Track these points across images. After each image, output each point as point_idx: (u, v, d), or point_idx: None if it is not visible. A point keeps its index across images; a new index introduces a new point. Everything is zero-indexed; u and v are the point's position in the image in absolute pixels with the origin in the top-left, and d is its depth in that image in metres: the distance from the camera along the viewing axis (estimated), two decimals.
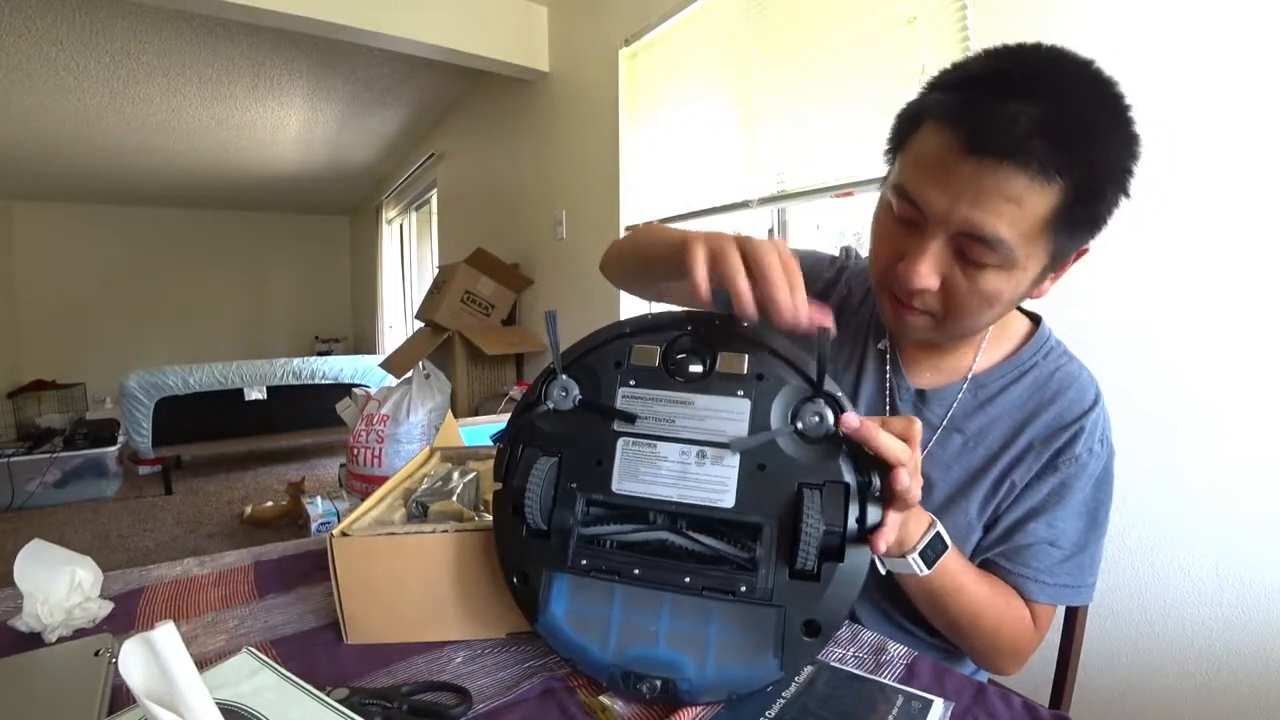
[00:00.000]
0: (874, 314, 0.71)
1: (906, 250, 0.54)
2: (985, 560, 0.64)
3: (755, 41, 1.83)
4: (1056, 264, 0.55)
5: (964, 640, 0.62)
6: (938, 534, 0.54)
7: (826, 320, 0.46)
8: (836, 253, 0.80)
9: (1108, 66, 0.50)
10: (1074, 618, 0.77)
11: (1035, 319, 0.68)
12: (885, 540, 0.45)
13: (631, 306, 2.46)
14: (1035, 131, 0.46)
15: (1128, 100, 0.50)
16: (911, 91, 0.58)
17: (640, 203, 2.37)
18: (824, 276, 0.77)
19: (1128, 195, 0.51)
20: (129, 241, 6.51)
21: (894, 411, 0.67)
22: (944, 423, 0.64)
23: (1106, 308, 1.09)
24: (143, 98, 3.68)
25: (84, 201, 6.15)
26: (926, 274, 0.53)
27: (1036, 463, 0.61)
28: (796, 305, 0.45)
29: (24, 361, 5.82)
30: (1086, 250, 0.56)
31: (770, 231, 1.94)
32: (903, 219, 0.55)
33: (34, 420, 4.71)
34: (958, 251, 0.52)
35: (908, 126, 0.56)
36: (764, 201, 1.84)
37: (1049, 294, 0.60)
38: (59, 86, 3.44)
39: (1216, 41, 0.97)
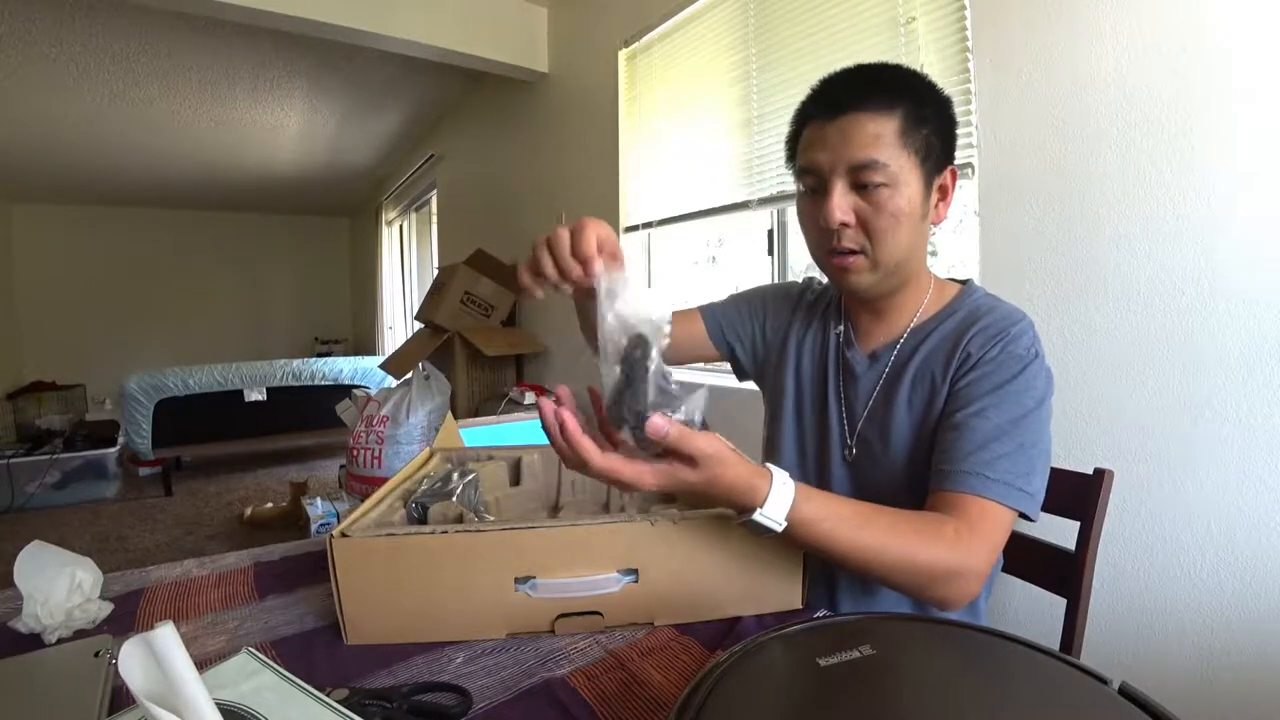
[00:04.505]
0: (829, 306, 0.84)
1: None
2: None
3: (755, 42, 1.84)
4: (931, 183, 0.68)
5: (887, 575, 0.59)
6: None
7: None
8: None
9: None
10: (1074, 618, 0.77)
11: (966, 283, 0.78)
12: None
13: None
14: (870, 87, 0.66)
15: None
16: None
17: (640, 203, 2.37)
18: (794, 290, 0.90)
19: (948, 125, 0.68)
20: (129, 243, 6.51)
21: (851, 377, 0.77)
22: (888, 368, 0.74)
23: (1104, 313, 1.10)
24: (143, 99, 3.68)
25: (84, 202, 6.15)
26: (840, 208, 0.66)
27: (967, 365, 0.68)
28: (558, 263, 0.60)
29: (24, 363, 5.82)
30: (952, 175, 0.70)
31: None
32: (810, 191, 0.70)
33: (34, 421, 4.71)
34: (855, 186, 0.66)
35: (794, 137, 0.73)
36: (764, 202, 1.84)
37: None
38: (59, 88, 3.44)
39: (1214, 42, 0.97)
